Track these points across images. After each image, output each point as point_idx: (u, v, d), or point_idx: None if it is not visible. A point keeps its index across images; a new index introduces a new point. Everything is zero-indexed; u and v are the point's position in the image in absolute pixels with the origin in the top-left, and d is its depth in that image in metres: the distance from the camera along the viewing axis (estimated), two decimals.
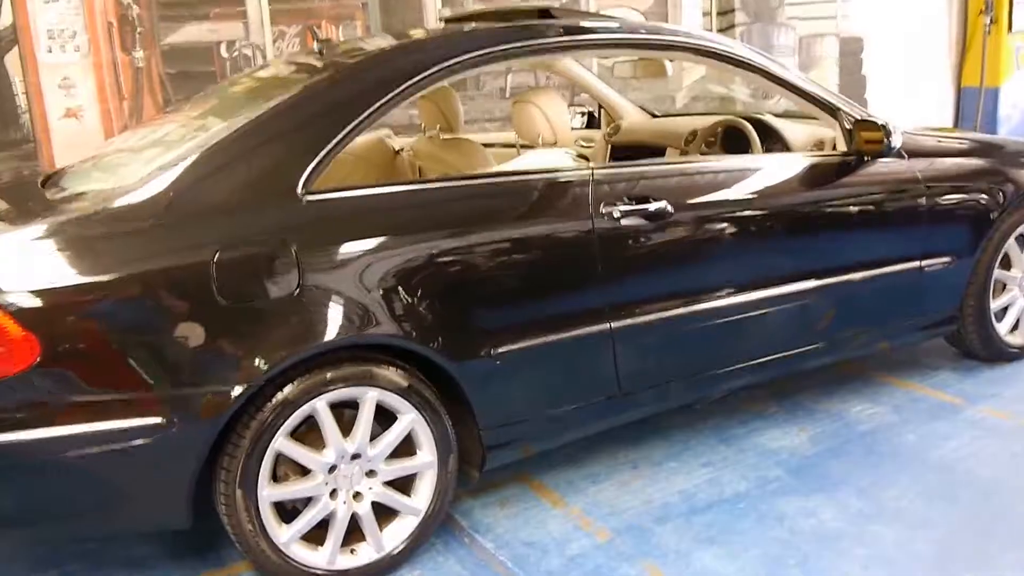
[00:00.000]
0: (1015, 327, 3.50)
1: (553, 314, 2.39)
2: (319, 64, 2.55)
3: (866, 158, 2.91)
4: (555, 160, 2.50)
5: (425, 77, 2.35)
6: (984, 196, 3.20)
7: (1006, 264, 3.40)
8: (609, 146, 4.13)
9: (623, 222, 2.41)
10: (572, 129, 4.27)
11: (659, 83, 6.22)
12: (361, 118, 2.26)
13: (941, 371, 3.49)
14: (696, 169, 2.68)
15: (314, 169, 2.17)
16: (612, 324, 2.45)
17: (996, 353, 3.47)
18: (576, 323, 2.41)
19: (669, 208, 2.47)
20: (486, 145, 3.33)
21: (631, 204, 2.43)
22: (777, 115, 3.66)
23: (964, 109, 8.56)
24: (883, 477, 2.68)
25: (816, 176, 2.85)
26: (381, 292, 2.15)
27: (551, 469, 2.78)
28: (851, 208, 2.90)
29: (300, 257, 2.07)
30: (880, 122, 2.81)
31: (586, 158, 4.10)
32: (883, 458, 2.80)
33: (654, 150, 3.89)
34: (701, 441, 2.96)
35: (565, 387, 2.48)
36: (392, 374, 2.19)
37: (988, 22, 8.13)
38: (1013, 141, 3.57)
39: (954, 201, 3.15)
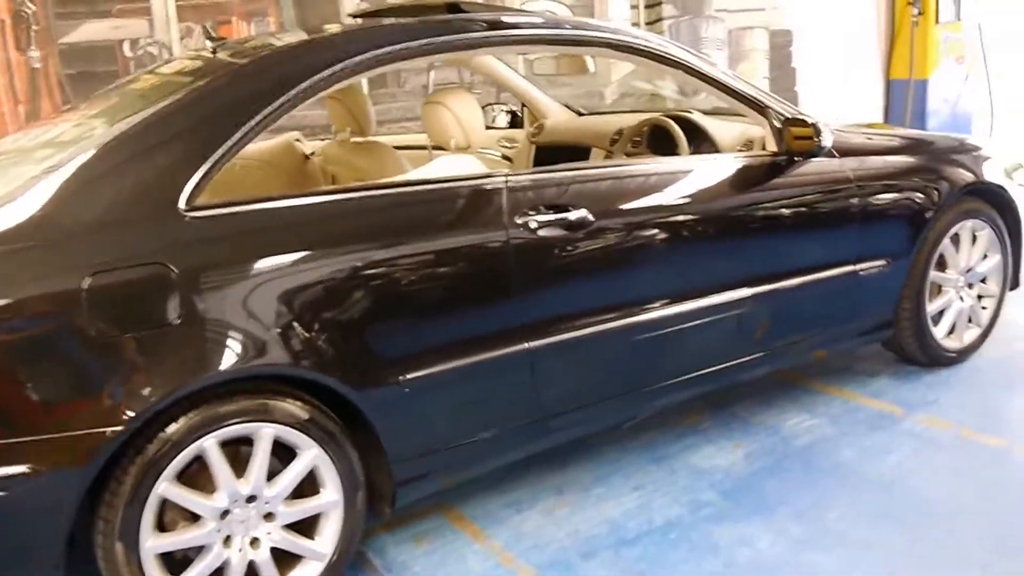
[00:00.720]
0: (951, 330, 3.47)
1: (466, 335, 2.24)
2: (210, 63, 2.37)
3: (797, 158, 2.83)
4: (466, 166, 2.34)
5: (326, 76, 2.18)
6: (919, 195, 3.15)
7: (941, 265, 3.36)
8: (533, 147, 4.01)
9: (540, 233, 2.27)
10: (495, 129, 4.16)
11: (587, 79, 6.13)
12: (253, 123, 2.08)
13: (878, 378, 3.44)
14: (619, 173, 2.55)
15: (200, 181, 1.99)
16: (529, 344, 2.31)
17: (933, 358, 3.43)
18: (491, 344, 2.26)
19: (590, 216, 2.35)
20: (398, 148, 3.18)
21: (549, 213, 2.29)
22: (705, 112, 3.58)
23: (893, 102, 8.66)
24: (823, 497, 2.59)
25: (746, 178, 2.76)
26: (275, 317, 1.98)
27: (471, 497, 2.64)
28: (783, 211, 2.81)
29: (182, 281, 1.89)
30: (810, 120, 2.73)
31: (509, 159, 3.99)
32: (822, 475, 2.72)
33: (579, 150, 3.77)
34: (631, 461, 2.85)
35: (482, 413, 2.34)
36: (290, 407, 2.02)
37: (916, 13, 8.22)
38: (945, 137, 3.54)
39: (888, 201, 3.09)
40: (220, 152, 2.02)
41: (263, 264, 1.98)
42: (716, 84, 2.78)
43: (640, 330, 2.52)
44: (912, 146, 3.31)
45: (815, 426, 3.05)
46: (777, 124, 2.80)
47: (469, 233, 2.21)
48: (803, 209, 2.86)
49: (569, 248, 2.32)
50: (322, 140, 3.39)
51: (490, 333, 2.26)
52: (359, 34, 2.42)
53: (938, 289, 3.38)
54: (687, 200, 2.60)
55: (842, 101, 7.52)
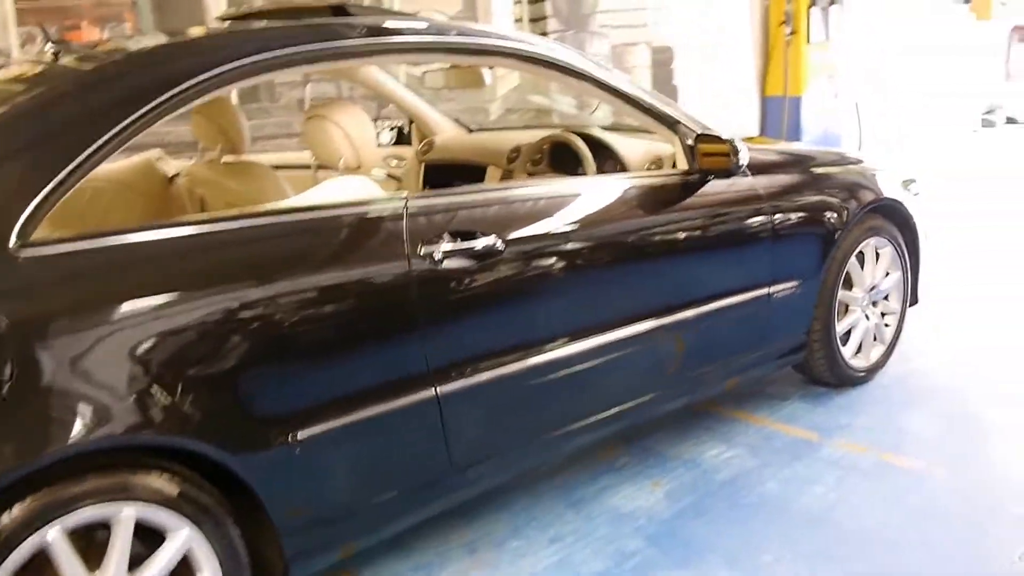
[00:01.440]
0: (858, 349, 3.40)
1: (365, 383, 1.95)
2: (51, 70, 2.02)
3: (710, 177, 2.68)
4: (359, 189, 2.06)
5: (190, 87, 1.86)
6: (829, 213, 3.06)
7: (847, 284, 3.29)
8: (422, 166, 3.75)
9: (446, 264, 2.02)
10: (380, 146, 3.88)
11: (471, 94, 5.92)
12: (103, 140, 1.75)
13: (789, 402, 3.33)
14: (527, 195, 2.30)
15: (36, 212, 1.65)
16: (439, 389, 2.05)
17: (842, 378, 3.36)
18: (395, 392, 1.99)
19: (499, 244, 2.11)
20: (277, 167, 2.87)
21: (455, 241, 2.04)
22: (606, 128, 3.41)
23: (769, 118, 8.85)
24: (752, 537, 2.43)
25: (661, 199, 2.58)
26: (133, 374, 1.65)
27: (373, 560, 2.34)
28: (699, 233, 2.65)
29: (14, 334, 1.55)
30: (725, 137, 2.58)
31: (397, 178, 3.71)
32: (749, 513, 2.56)
33: (473, 169, 3.54)
34: (546, 508, 2.62)
35: (386, 471, 2.06)
36: (156, 481, 1.69)
37: (788, 33, 8.43)
38: (846, 154, 3.47)
39: (799, 220, 2.98)
40: (62, 176, 1.68)
41: (117, 310, 1.65)
42: (623, 97, 2.60)
43: (555, 368, 2.30)
44: (820, 162, 3.22)
45: (734, 458, 2.90)
46: (689, 141, 2.64)
47: (365, 266, 1.93)
48: (718, 231, 2.71)
49: (478, 280, 2.08)
50: (189, 159, 3.03)
51: (393, 380, 1.99)
52: (228, 39, 2.10)
53: (845, 309, 3.31)
54: (600, 224, 2.40)
55: (721, 117, 7.58)
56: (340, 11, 2.17)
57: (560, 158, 3.14)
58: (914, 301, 3.62)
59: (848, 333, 3.34)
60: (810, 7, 8.35)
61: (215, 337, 1.74)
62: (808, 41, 8.57)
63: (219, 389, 1.74)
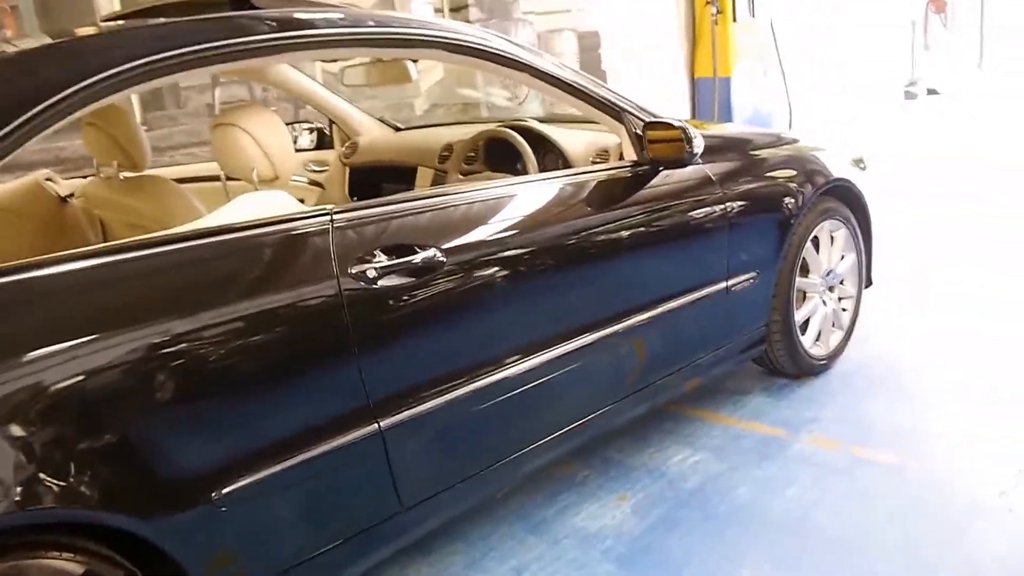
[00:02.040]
0: (818, 337, 3.30)
1: (297, 425, 1.74)
2: None
3: (660, 168, 2.52)
4: (278, 204, 1.83)
5: (75, 94, 1.61)
6: (784, 198, 2.94)
7: (803, 271, 3.17)
8: (347, 170, 3.53)
9: (382, 283, 1.81)
10: (300, 151, 3.65)
11: (394, 90, 5.70)
12: None
13: (751, 396, 3.21)
14: (466, 200, 2.09)
15: None
16: (381, 422, 1.85)
17: (804, 368, 3.26)
18: (332, 431, 1.78)
19: (440, 256, 1.92)
20: (184, 181, 2.62)
21: (390, 257, 1.84)
22: (542, 120, 3.23)
23: (700, 100, 8.81)
24: (730, 550, 2.29)
25: (609, 195, 2.41)
26: (21, 438, 1.41)
27: None
28: (653, 229, 2.49)
29: None
30: (676, 123, 2.42)
31: (320, 185, 3.49)
32: (723, 522, 2.42)
33: (402, 171, 3.34)
34: (506, 535, 2.44)
35: (328, 519, 1.85)
36: (56, 562, 1.45)
37: (715, 12, 8.38)
38: (782, 135, 3.34)
39: (755, 207, 2.85)
40: None
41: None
42: (564, 86, 2.42)
43: (509, 387, 2.12)
44: (771, 143, 3.09)
45: (701, 462, 2.76)
46: (636, 130, 2.48)
47: (288, 293, 1.71)
48: (673, 224, 2.55)
49: (418, 298, 1.88)
50: (85, 177, 2.77)
51: (329, 418, 1.78)
52: (117, 39, 1.84)
53: (802, 296, 3.20)
54: (547, 226, 2.22)
55: (652, 101, 7.49)
56: (241, 3, 1.94)
57: (496, 155, 2.96)
58: (868, 283, 3.53)
59: (806, 321, 3.24)
60: None
61: (124, 384, 1.51)
62: (734, 20, 8.54)
63: (125, 447, 1.51)
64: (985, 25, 16.47)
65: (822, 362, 3.33)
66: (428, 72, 5.85)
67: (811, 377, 3.31)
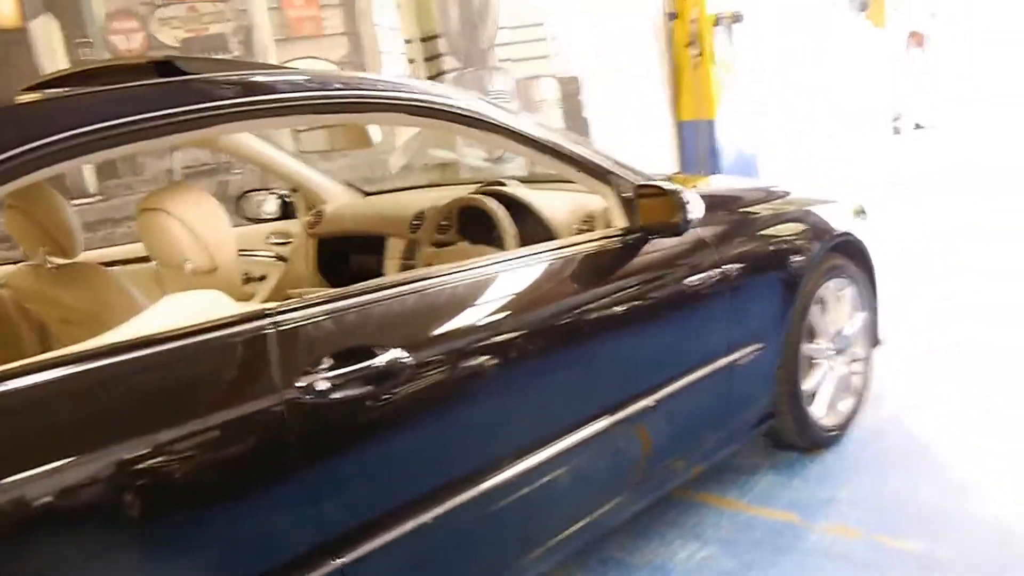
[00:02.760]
0: (828, 406, 3.06)
1: (239, 572, 1.48)
2: None
3: (651, 236, 2.29)
4: (208, 306, 1.58)
5: None
6: (789, 258, 2.73)
7: (809, 336, 2.95)
8: (312, 241, 3.30)
9: (336, 395, 1.56)
10: (263, 221, 3.42)
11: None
12: None
13: (759, 475, 2.96)
14: (436, 284, 1.84)
15: None
16: (343, 559, 1.59)
17: (815, 440, 3.02)
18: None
19: (405, 357, 1.67)
20: (125, 262, 2.38)
21: (346, 363, 1.59)
22: (524, 180, 3.01)
23: (685, 144, 8.67)
24: None
25: (599, 269, 2.18)
26: None
27: None
28: (647, 304, 2.25)
29: None
30: (668, 187, 2.19)
31: (284, 259, 3.25)
32: None
33: (371, 241, 3.11)
34: None
35: None
36: None
37: (695, 55, 8.27)
38: (772, 188, 3.12)
39: (757, 271, 2.63)
40: None
41: None
42: (544, 149, 2.19)
43: (498, 497, 1.87)
44: (768, 199, 2.87)
45: (710, 559, 2.51)
46: (625, 194, 2.25)
47: (221, 414, 1.45)
48: (669, 298, 2.33)
49: (382, 410, 1.63)
50: (14, 264, 2.51)
51: (277, 562, 1.51)
52: (33, 113, 1.60)
53: (809, 364, 2.96)
54: (532, 309, 1.99)
55: (636, 147, 7.32)
56: (168, 69, 1.70)
57: (472, 223, 2.73)
58: (876, 342, 3.30)
59: (814, 390, 3.00)
60: (714, 25, 8.21)
61: (31, 532, 1.25)
62: (714, 62, 8.45)
63: None
64: (968, 58, 16.52)
65: (833, 432, 3.09)
66: (402, 129, 5.64)
67: (822, 450, 3.06)
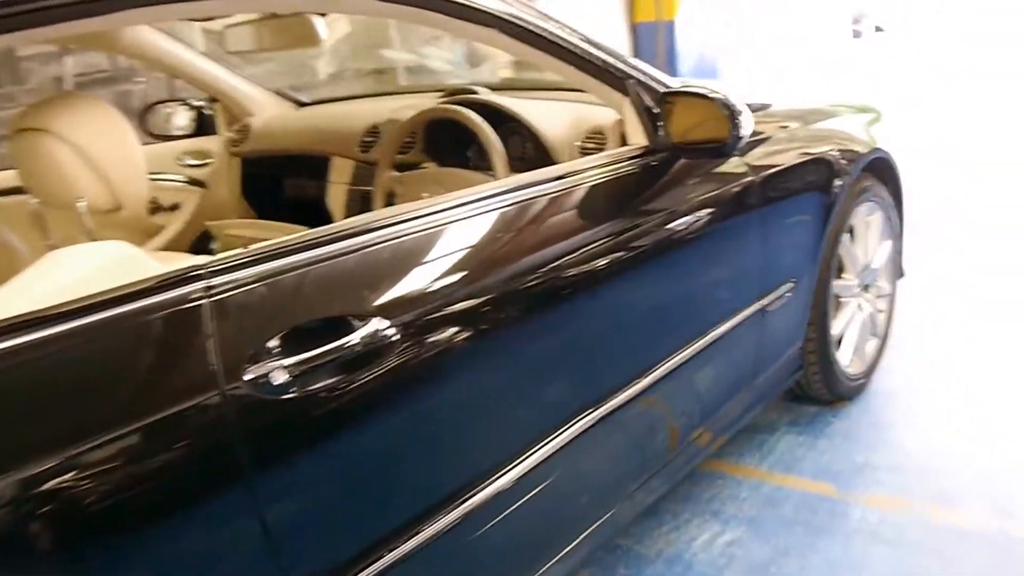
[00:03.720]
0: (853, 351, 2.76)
1: None
2: None
3: (683, 155, 1.89)
4: (114, 267, 1.14)
5: None
6: (827, 178, 2.38)
7: (838, 270, 2.62)
8: (238, 163, 2.83)
9: (293, 392, 1.14)
10: (173, 138, 2.92)
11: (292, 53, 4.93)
12: None
13: (778, 436, 2.65)
14: (419, 227, 1.38)
15: None
16: None
17: (841, 391, 2.72)
18: None
19: (388, 331, 1.25)
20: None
21: (309, 344, 1.17)
22: (494, 89, 2.58)
23: (642, 47, 8.29)
24: None
25: (618, 199, 1.77)
26: None
27: None
28: (675, 245, 1.85)
29: None
30: (712, 94, 1.77)
31: (202, 185, 2.78)
32: None
33: (310, 163, 2.66)
34: None
35: None
36: None
37: None
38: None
39: (792, 193, 2.26)
40: None
41: None
42: (541, 43, 1.74)
43: (504, 503, 1.49)
44: (802, 112, 2.49)
45: (735, 544, 2.19)
46: (650, 103, 1.84)
47: (137, 421, 1.02)
48: (700, 233, 1.93)
49: (358, 403, 1.22)
50: None
51: None
52: None
53: (836, 303, 2.63)
54: (541, 259, 1.54)
55: None
56: None
57: (441, 141, 2.30)
58: (901, 274, 3.00)
59: (841, 334, 2.69)
60: None
61: None
62: None
63: None
64: None
65: (859, 381, 2.79)
66: (333, 24, 5.07)
67: (846, 403, 2.76)
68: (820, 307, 2.48)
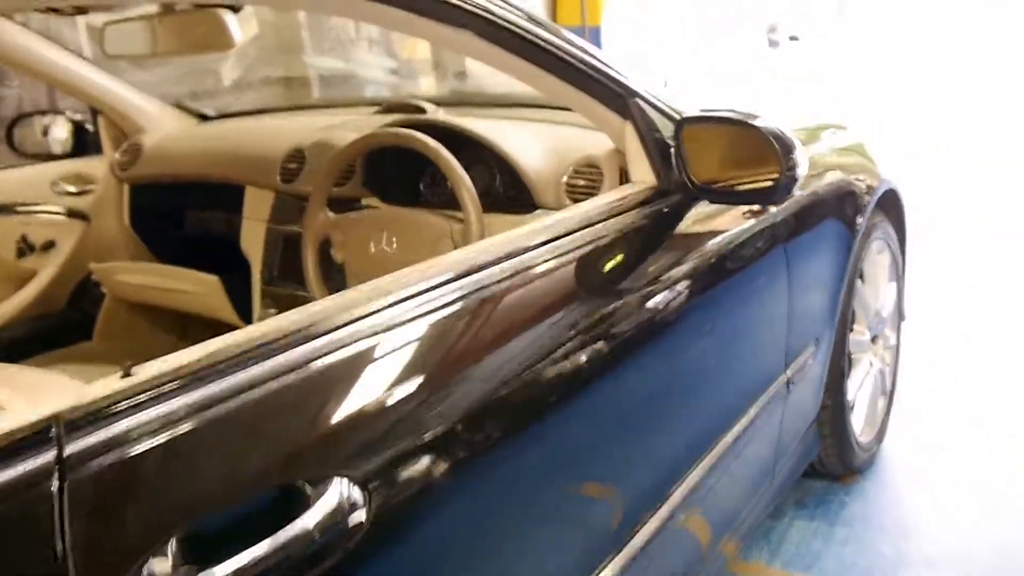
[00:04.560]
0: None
1: None
2: None
3: (704, 197, 1.51)
4: None
5: None
6: (852, 216, 2.08)
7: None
8: (128, 191, 2.38)
9: None
10: (50, 158, 2.46)
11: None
12: None
13: (786, 521, 2.30)
14: (392, 319, 0.96)
15: None
16: None
17: (854, 464, 2.41)
18: None
19: (359, 497, 0.83)
20: None
21: (240, 542, 0.75)
22: (440, 103, 2.18)
23: None
24: None
25: (628, 256, 1.38)
26: None
27: None
28: (697, 315, 1.46)
29: None
30: (763, 126, 1.39)
31: (84, 216, 2.33)
32: None
33: (219, 192, 2.23)
34: None
35: None
36: None
37: None
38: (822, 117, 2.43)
39: (818, 237, 1.94)
40: None
41: None
42: (536, 52, 1.35)
43: None
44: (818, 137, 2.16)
45: None
46: (659, 130, 1.47)
47: None
48: (727, 298, 1.56)
49: None
50: None
51: None
52: None
53: (848, 360, 2.32)
54: (539, 347, 1.12)
55: None
56: None
57: (385, 171, 1.89)
58: (902, 317, 2.71)
59: (854, 397, 2.37)
60: None
61: None
62: None
63: None
64: None
65: (872, 450, 2.49)
66: (240, 22, 4.58)
67: (857, 477, 2.45)
68: (837, 369, 2.15)
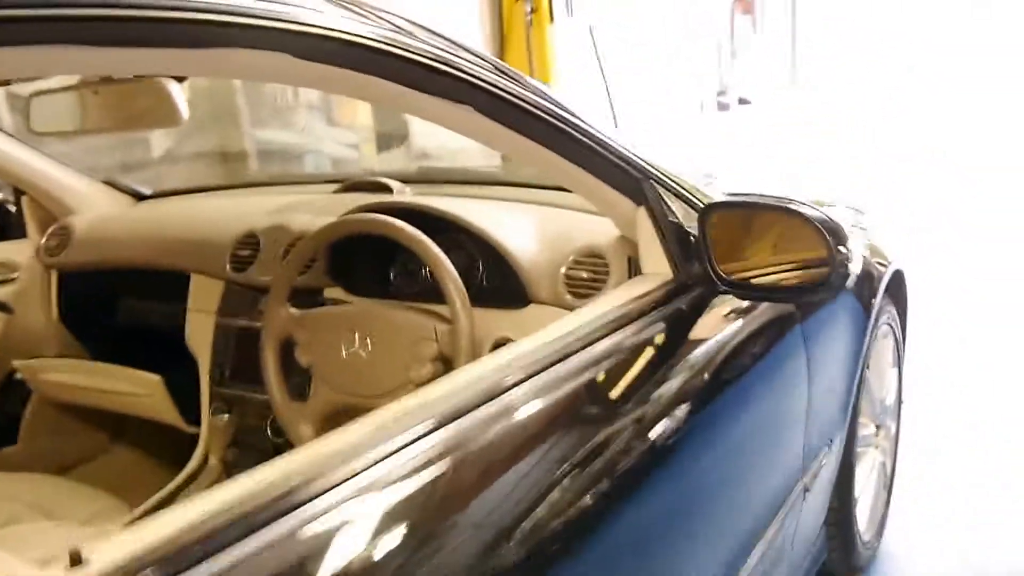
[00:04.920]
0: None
1: None
2: None
3: (729, 291, 1.35)
4: None
5: None
6: (868, 301, 1.96)
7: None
8: (53, 278, 2.17)
9: None
10: None
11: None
12: None
13: None
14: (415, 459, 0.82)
15: None
16: None
17: (858, 563, 2.26)
18: None
19: None
20: None
21: None
22: (407, 180, 2.01)
23: None
24: None
25: (641, 371, 1.20)
26: None
27: None
28: (714, 426, 1.29)
29: None
30: (810, 214, 1.23)
31: (7, 308, 2.11)
32: None
33: (161, 281, 2.03)
34: None
35: None
36: None
37: (528, 11, 7.72)
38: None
39: (836, 329, 1.80)
40: None
41: None
42: (544, 130, 1.18)
43: None
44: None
45: None
46: (677, 216, 1.31)
47: None
48: (747, 405, 1.40)
49: None
50: None
51: None
52: None
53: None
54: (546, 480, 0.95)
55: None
56: None
57: (351, 258, 1.71)
58: (901, 401, 2.60)
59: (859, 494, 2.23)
60: None
61: None
62: (551, 20, 7.92)
63: None
64: (797, 35, 16.92)
65: (873, 547, 2.34)
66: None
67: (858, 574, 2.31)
68: (847, 466, 2.00)
